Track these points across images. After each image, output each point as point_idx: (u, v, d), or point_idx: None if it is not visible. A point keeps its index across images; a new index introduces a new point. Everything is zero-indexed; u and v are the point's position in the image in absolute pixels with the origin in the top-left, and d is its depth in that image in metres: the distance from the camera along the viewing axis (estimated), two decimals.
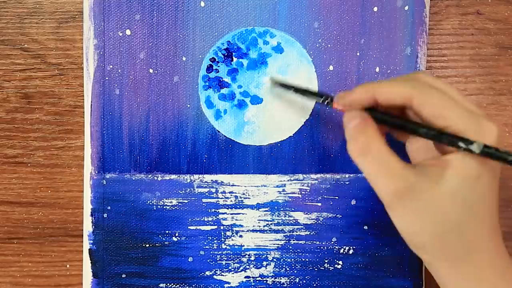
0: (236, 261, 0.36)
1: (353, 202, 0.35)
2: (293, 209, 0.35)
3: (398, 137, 0.31)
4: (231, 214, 0.35)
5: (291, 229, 0.36)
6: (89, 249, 0.35)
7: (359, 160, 0.27)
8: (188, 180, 0.35)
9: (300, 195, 0.35)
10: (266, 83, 0.35)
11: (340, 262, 0.36)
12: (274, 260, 0.36)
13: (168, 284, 0.35)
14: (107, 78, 0.35)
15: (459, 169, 0.25)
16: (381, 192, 0.26)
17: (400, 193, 0.25)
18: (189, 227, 0.35)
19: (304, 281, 0.36)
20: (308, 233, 0.36)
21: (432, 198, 0.25)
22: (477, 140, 0.24)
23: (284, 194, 0.35)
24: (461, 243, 0.26)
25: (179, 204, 0.35)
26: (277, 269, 0.36)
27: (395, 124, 0.27)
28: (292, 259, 0.36)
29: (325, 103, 0.30)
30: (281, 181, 0.35)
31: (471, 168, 0.25)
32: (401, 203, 0.26)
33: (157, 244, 0.35)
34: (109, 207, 0.35)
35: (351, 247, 0.36)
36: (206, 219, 0.35)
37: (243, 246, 0.36)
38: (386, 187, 0.26)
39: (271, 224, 0.36)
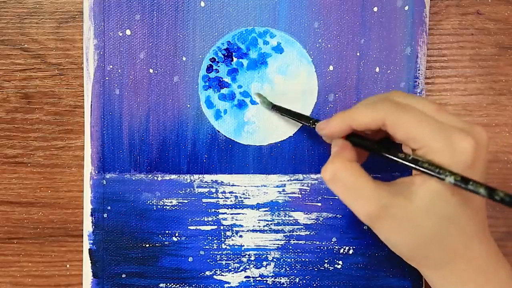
0: (236, 261, 0.36)
1: None
2: (293, 209, 0.35)
3: None
4: (231, 214, 0.35)
5: (291, 229, 0.36)
6: (89, 249, 0.35)
7: (330, 187, 0.28)
8: (188, 180, 0.35)
9: (300, 195, 0.35)
10: (256, 97, 0.35)
11: (340, 262, 0.36)
12: (274, 260, 0.36)
13: (168, 284, 0.35)
14: (107, 78, 0.35)
15: (432, 186, 0.25)
16: (358, 214, 0.27)
17: (375, 215, 0.26)
18: (189, 227, 0.35)
19: (304, 281, 0.36)
20: (308, 233, 0.36)
21: (407, 215, 0.26)
22: (450, 159, 0.25)
23: (284, 194, 0.35)
24: (442, 252, 0.27)
25: (179, 204, 0.35)
26: (277, 269, 0.36)
27: (375, 150, 0.27)
28: (292, 259, 0.36)
29: (313, 126, 0.31)
30: (281, 181, 0.35)
31: (446, 186, 0.25)
32: (377, 222, 0.27)
33: (157, 244, 0.35)
34: (109, 207, 0.35)
35: (351, 247, 0.36)
36: (206, 219, 0.35)
37: (243, 246, 0.36)
38: (360, 210, 0.27)
39: (271, 224, 0.36)
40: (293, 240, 0.36)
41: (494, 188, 0.24)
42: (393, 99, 0.27)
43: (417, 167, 0.25)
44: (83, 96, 0.35)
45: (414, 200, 0.26)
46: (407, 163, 0.26)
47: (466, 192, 0.25)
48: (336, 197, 0.35)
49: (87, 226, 0.35)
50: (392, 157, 0.27)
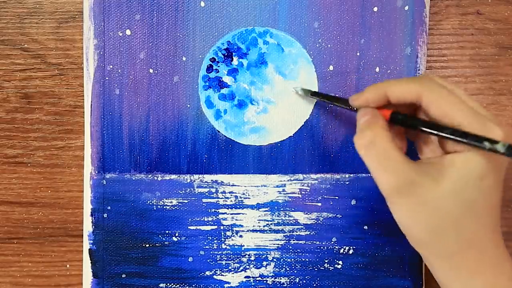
0: (236, 261, 0.36)
1: (353, 202, 0.35)
2: (293, 209, 0.35)
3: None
4: (231, 214, 0.35)
5: (291, 229, 0.36)
6: (89, 249, 0.35)
7: (363, 153, 0.27)
8: (188, 180, 0.35)
9: (300, 195, 0.35)
10: (296, 91, 0.35)
11: (340, 262, 0.36)
12: (274, 260, 0.36)
13: (168, 284, 0.35)
14: (107, 78, 0.35)
15: (462, 169, 0.25)
16: (382, 186, 0.26)
17: (400, 188, 0.26)
18: (189, 227, 0.35)
19: (304, 281, 0.36)
20: (308, 233, 0.36)
21: (431, 195, 0.25)
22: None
23: (284, 194, 0.35)
24: (458, 239, 0.26)
25: (179, 204, 0.35)
26: (277, 269, 0.36)
27: (417, 124, 0.27)
28: (292, 259, 0.36)
29: (354, 109, 0.30)
30: (281, 181, 0.35)
31: (475, 168, 0.25)
32: (400, 198, 0.26)
33: (157, 244, 0.35)
34: (109, 207, 0.35)
35: (351, 247, 0.36)
36: (206, 219, 0.35)
37: (243, 246, 0.36)
38: (387, 182, 0.26)
39: (271, 224, 0.36)
40: (293, 240, 0.36)
41: None
42: (431, 78, 0.27)
43: (467, 141, 0.25)
44: (83, 96, 0.35)
45: (442, 181, 0.25)
46: (456, 137, 0.25)
47: (493, 181, 0.25)
48: (336, 197, 0.35)
49: (87, 226, 0.35)
50: (440, 133, 0.25)
